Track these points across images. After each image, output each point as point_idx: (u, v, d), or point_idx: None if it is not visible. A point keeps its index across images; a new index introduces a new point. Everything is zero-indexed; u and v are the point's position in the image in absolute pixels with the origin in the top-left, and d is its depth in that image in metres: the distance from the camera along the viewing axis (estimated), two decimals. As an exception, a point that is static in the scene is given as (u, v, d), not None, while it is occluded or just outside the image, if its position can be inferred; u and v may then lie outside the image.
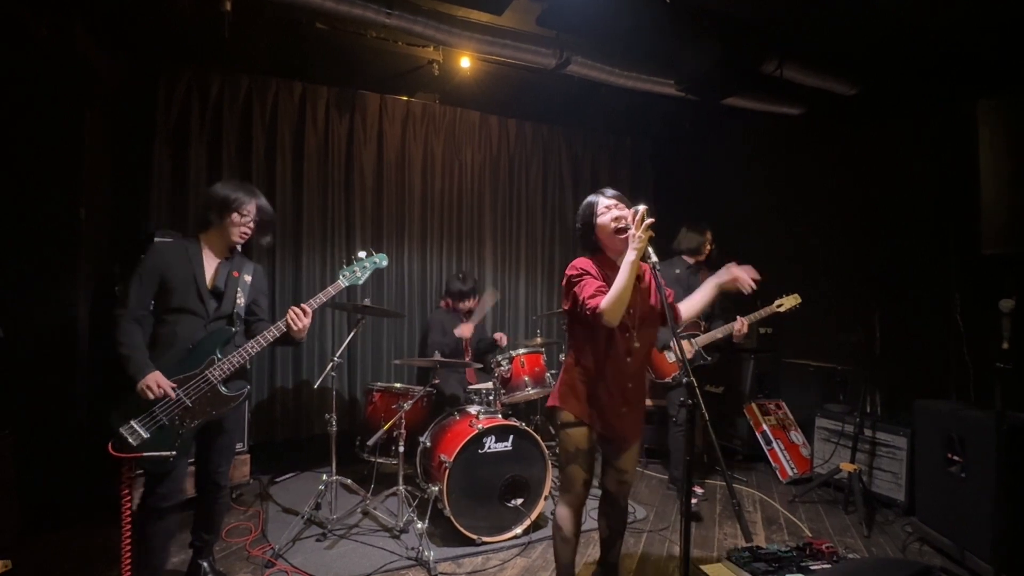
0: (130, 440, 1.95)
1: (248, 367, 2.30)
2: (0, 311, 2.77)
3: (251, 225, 2.23)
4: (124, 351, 2.00)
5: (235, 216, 2.18)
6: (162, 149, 3.63)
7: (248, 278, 2.28)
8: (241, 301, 2.22)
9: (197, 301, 2.12)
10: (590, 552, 2.77)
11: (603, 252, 2.10)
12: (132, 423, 1.97)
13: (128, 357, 2.00)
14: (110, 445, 1.95)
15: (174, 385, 2.02)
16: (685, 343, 3.28)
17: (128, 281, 2.08)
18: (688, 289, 3.29)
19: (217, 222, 2.18)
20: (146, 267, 2.10)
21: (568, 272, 2.03)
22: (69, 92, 2.97)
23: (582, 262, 2.04)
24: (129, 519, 2.07)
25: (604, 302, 1.85)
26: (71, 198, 2.97)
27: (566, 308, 2.06)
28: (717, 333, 3.26)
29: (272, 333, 2.18)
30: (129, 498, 2.06)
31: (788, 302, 3.09)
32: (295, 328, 2.18)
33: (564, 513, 2.12)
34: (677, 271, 3.49)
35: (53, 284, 2.90)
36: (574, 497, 2.11)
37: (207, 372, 2.08)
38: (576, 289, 1.97)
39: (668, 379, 3.40)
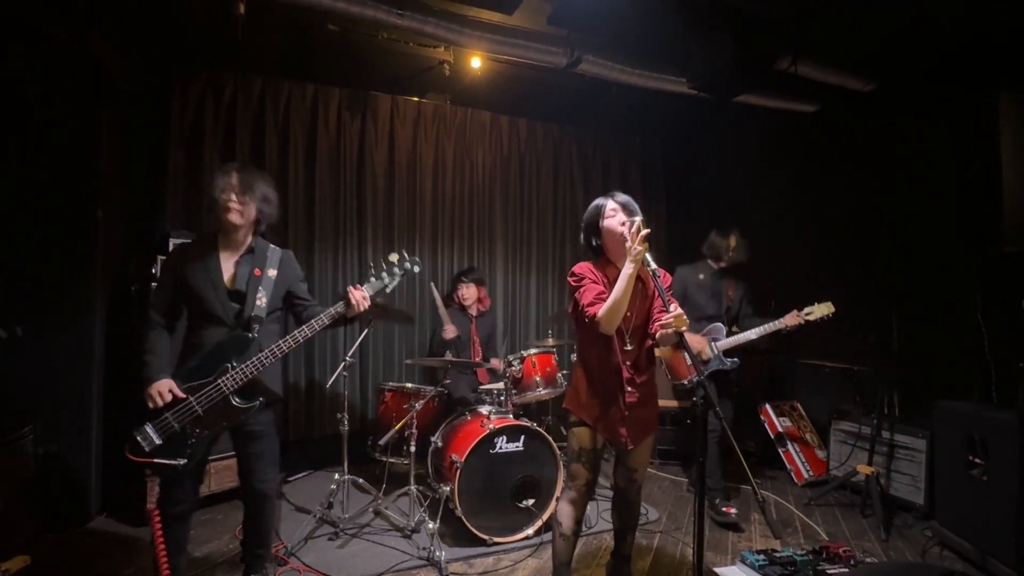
0: (142, 444, 1.94)
1: (274, 374, 2.18)
2: (18, 311, 2.82)
3: (234, 199, 2.04)
4: (142, 357, 1.99)
5: (220, 203, 2.03)
6: (177, 150, 3.67)
7: (272, 272, 2.14)
8: (262, 302, 2.09)
9: (218, 306, 2.05)
10: (602, 552, 2.75)
11: (604, 255, 2.14)
12: (146, 428, 1.95)
13: (145, 362, 1.98)
14: (126, 448, 1.95)
15: (183, 396, 1.96)
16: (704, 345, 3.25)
17: (154, 288, 2.07)
18: (713, 295, 3.36)
19: (217, 218, 2.06)
20: (163, 271, 2.05)
21: (569, 279, 2.11)
22: (86, 95, 3.01)
23: (581, 267, 2.10)
24: (160, 524, 2.01)
25: (601, 310, 1.92)
26: (88, 199, 3.01)
27: (569, 312, 2.13)
28: (750, 334, 3.19)
29: (319, 321, 2.06)
30: (156, 508, 2.01)
31: (819, 311, 3.05)
32: (360, 310, 2.09)
33: (565, 509, 2.14)
34: (701, 276, 3.41)
35: (70, 284, 2.95)
36: (576, 495, 2.13)
37: (219, 381, 2.00)
38: (577, 295, 2.04)
39: (684, 381, 3.36)
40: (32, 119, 2.90)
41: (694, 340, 3.25)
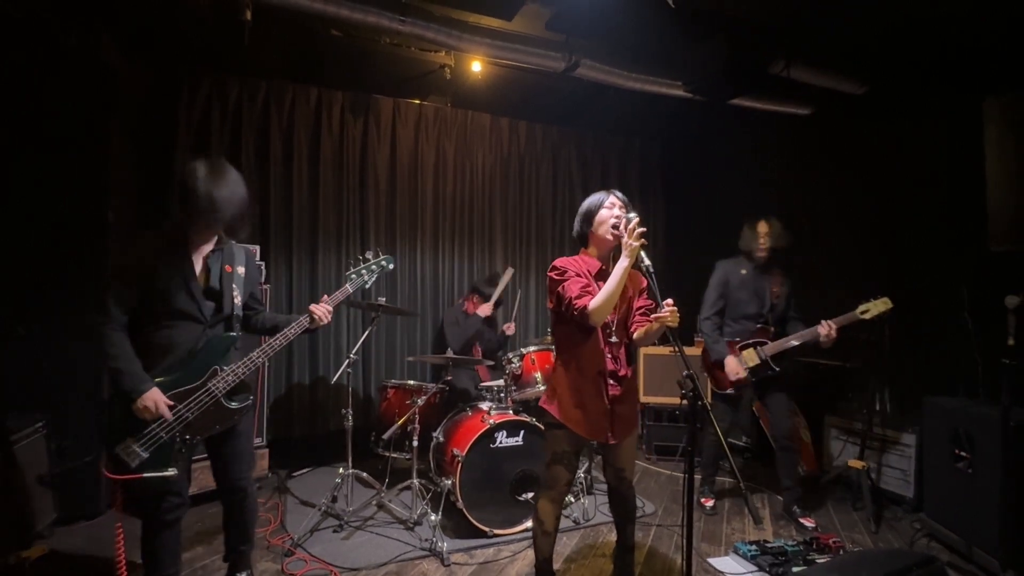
0: (128, 462, 1.80)
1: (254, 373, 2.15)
2: (33, 309, 2.90)
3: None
4: (115, 364, 1.82)
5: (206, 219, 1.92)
6: (184, 154, 3.75)
7: (241, 270, 2.08)
8: (238, 300, 2.03)
9: (190, 303, 1.92)
10: (599, 544, 2.83)
11: (587, 249, 2.18)
12: (130, 443, 1.80)
13: (121, 371, 1.81)
14: (104, 468, 1.82)
15: (172, 404, 1.86)
16: (751, 351, 3.13)
17: (107, 287, 1.89)
18: (755, 293, 3.19)
19: (195, 220, 1.93)
20: (126, 265, 1.90)
21: (550, 274, 2.10)
22: (96, 99, 3.08)
23: (562, 261, 2.12)
24: (122, 544, 2.00)
25: (593, 302, 1.93)
26: (99, 202, 3.09)
27: (550, 307, 2.14)
28: (791, 340, 3.04)
29: (293, 331, 2.07)
30: (121, 528, 1.98)
31: (875, 308, 2.89)
32: (323, 323, 2.14)
33: (546, 508, 2.21)
34: (743, 271, 3.25)
35: (82, 284, 3.02)
36: (556, 494, 2.19)
37: (210, 384, 1.91)
38: (560, 289, 2.03)
39: (729, 390, 3.20)
40: (45, 123, 2.97)
41: (729, 363, 3.13)
